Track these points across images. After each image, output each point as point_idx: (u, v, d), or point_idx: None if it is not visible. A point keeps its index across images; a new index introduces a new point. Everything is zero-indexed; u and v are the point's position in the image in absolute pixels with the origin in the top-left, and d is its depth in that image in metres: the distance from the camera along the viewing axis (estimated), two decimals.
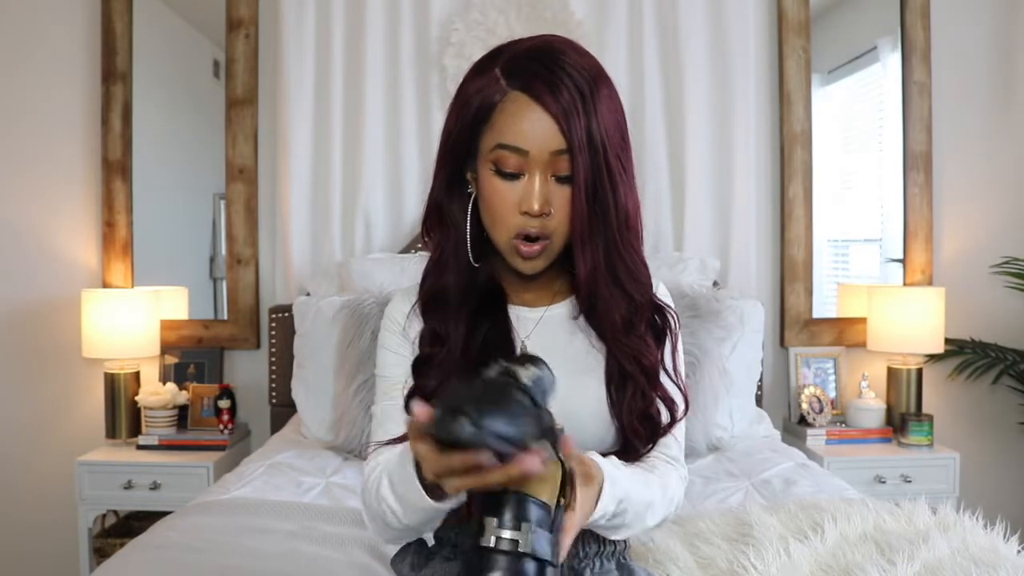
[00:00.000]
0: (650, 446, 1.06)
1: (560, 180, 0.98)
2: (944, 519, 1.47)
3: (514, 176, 0.98)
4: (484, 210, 1.02)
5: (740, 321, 2.27)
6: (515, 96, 0.97)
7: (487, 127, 0.99)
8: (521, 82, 0.97)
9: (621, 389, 1.04)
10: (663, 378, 1.06)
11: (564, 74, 0.96)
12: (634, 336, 1.04)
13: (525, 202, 0.98)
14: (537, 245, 1.00)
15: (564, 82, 0.95)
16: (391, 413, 1.07)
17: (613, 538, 1.02)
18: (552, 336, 1.08)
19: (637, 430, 1.04)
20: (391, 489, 0.94)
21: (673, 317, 1.10)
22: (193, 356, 2.65)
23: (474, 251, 1.06)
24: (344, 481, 1.93)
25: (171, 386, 2.53)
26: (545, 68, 0.96)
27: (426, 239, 1.10)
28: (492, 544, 0.78)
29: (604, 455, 1.02)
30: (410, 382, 1.06)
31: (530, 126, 0.96)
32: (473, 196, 1.05)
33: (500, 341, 1.04)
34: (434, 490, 0.87)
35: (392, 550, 1.20)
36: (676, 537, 1.44)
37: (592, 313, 1.05)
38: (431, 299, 1.07)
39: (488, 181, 1.00)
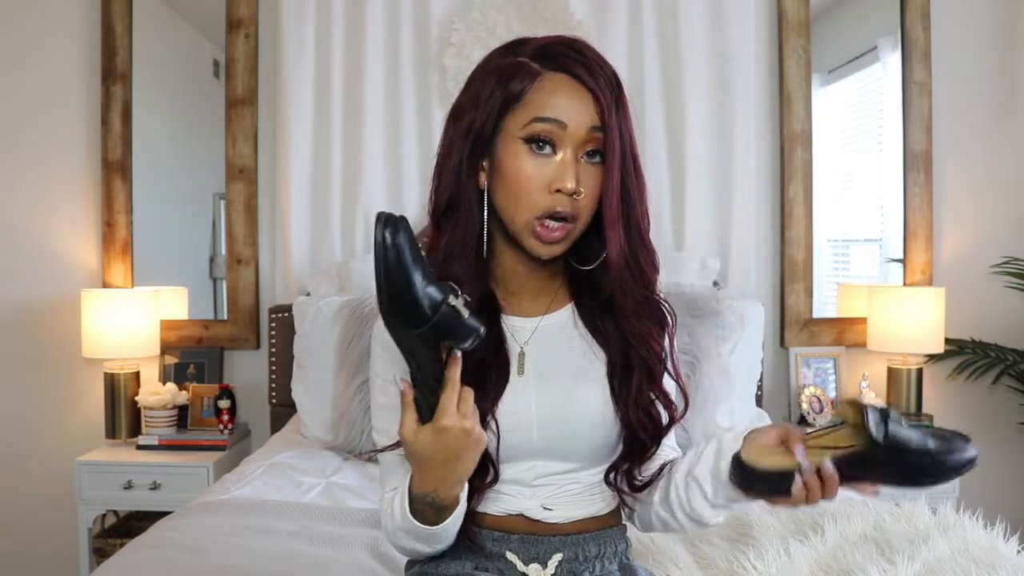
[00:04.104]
0: (655, 447, 1.05)
1: (591, 158, 1.00)
2: (944, 519, 1.48)
3: (545, 145, 0.98)
4: (505, 191, 1.00)
5: (740, 321, 2.28)
6: (551, 76, 1.00)
7: (519, 106, 0.99)
8: (557, 64, 1.00)
9: (625, 381, 1.03)
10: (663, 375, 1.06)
11: (597, 64, 1.00)
12: (644, 320, 1.05)
13: (558, 180, 0.98)
14: (560, 229, 0.99)
15: (598, 70, 0.99)
16: (393, 462, 1.04)
17: (723, 504, 1.01)
18: (551, 345, 1.06)
19: (643, 421, 1.03)
20: (403, 519, 0.99)
21: (671, 313, 1.09)
22: (193, 356, 2.65)
23: (481, 245, 1.04)
24: (344, 481, 1.93)
25: (171, 386, 2.53)
26: (580, 54, 1.00)
27: (436, 230, 1.07)
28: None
29: (611, 463, 1.03)
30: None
31: (568, 102, 0.98)
32: (484, 188, 1.03)
33: (496, 354, 1.02)
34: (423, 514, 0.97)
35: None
36: (676, 537, 1.44)
37: (608, 299, 1.05)
38: None
39: (515, 160, 0.99)
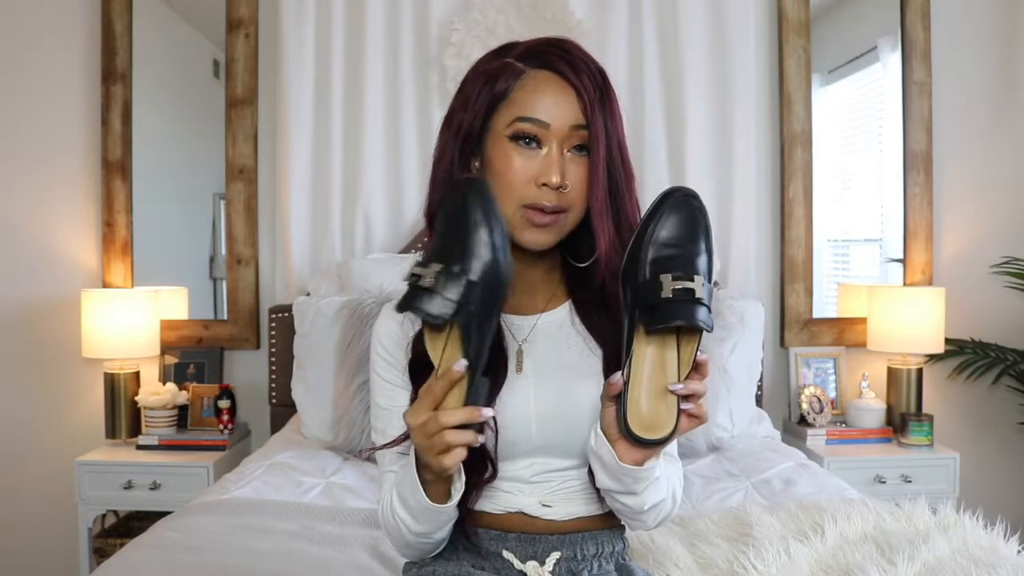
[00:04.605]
0: None
1: (578, 152, 1.01)
2: (944, 519, 1.47)
3: (531, 141, 1.00)
4: (495, 186, 1.00)
5: (740, 321, 2.28)
6: (535, 73, 1.02)
7: (504, 105, 1.01)
8: (541, 61, 1.02)
9: None
10: None
11: (581, 61, 1.01)
12: None
13: (544, 174, 0.99)
14: (548, 217, 1.00)
15: (582, 67, 1.01)
16: (393, 457, 1.05)
17: (630, 499, 0.98)
18: (549, 342, 1.07)
19: None
20: (400, 501, 0.99)
21: None
22: (193, 356, 2.65)
23: None
24: (344, 481, 1.93)
25: (171, 386, 2.53)
26: (565, 52, 1.02)
27: (431, 231, 1.06)
28: (670, 295, 0.86)
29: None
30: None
31: (552, 99, 1.00)
32: None
33: (495, 351, 1.02)
34: (432, 487, 0.94)
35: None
36: (676, 537, 1.44)
37: (600, 293, 1.05)
38: None
39: (503, 154, 1.01)
